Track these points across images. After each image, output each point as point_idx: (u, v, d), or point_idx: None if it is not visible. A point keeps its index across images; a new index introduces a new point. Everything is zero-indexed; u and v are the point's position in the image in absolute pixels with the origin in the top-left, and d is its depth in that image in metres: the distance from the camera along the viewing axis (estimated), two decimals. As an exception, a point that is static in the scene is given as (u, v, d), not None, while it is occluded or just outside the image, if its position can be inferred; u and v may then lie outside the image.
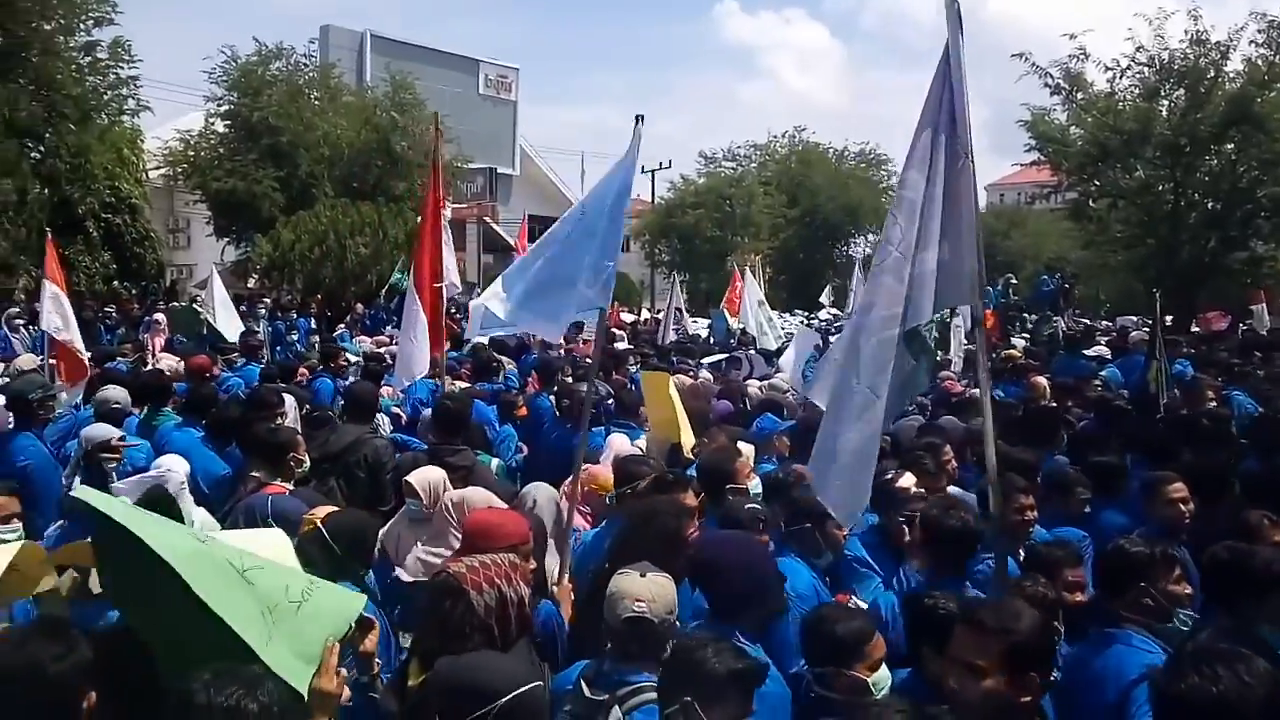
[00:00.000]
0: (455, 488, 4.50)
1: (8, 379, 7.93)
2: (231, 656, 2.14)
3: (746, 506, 4.18)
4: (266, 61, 26.82)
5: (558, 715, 2.73)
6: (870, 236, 48.06)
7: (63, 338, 7.06)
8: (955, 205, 3.24)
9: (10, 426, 5.97)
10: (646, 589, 2.89)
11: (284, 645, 2.29)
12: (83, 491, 2.40)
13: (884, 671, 2.91)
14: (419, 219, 24.85)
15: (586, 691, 2.73)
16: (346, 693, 2.43)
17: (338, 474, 5.64)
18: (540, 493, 4.58)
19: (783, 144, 46.43)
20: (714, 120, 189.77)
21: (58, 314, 7.18)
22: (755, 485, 4.90)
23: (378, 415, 7.05)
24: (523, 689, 2.44)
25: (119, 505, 2.37)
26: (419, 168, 27.86)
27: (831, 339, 10.66)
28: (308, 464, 5.19)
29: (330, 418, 6.75)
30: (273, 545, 2.91)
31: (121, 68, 21.46)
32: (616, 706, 2.66)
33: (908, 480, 4.53)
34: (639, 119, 4.59)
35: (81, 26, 20.27)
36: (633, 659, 2.79)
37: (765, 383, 9.72)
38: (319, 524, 3.65)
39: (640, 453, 5.77)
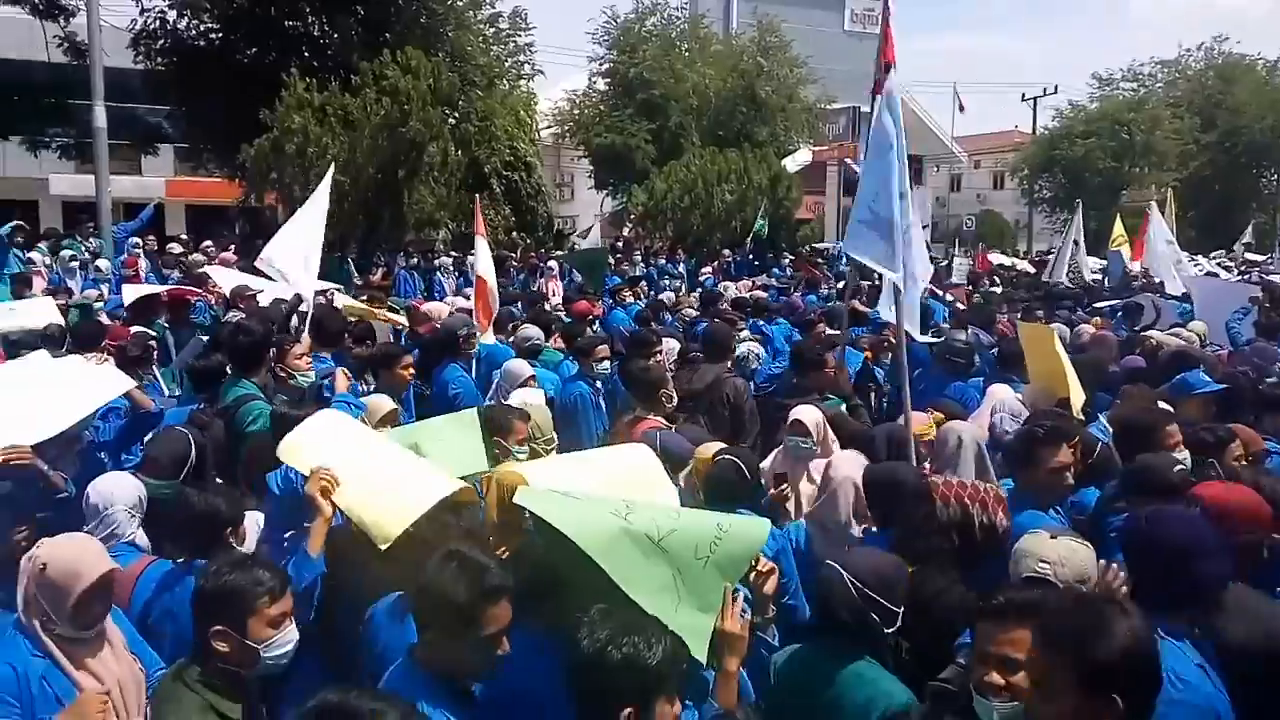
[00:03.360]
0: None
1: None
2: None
3: (1176, 468, 3.57)
4: (643, 18, 28.28)
5: None
6: (1312, 161, 40.24)
7: (486, 274, 8.21)
8: None
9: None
10: (1055, 551, 2.85)
11: (691, 603, 2.57)
12: (523, 496, 2.72)
13: None
14: (781, 163, 25.14)
15: None
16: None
17: (701, 410, 5.90)
18: (964, 431, 4.49)
19: (1197, 58, 40.05)
20: (1103, 38, 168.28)
21: (483, 262, 8.45)
22: (1183, 456, 4.26)
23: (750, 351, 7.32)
24: None
25: (552, 508, 2.64)
26: (780, 112, 27.94)
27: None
28: (676, 399, 5.53)
29: (697, 357, 7.03)
30: (642, 463, 3.31)
31: (519, 36, 23.75)
32: None
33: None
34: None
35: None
36: None
37: (1173, 332, 8.48)
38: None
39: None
